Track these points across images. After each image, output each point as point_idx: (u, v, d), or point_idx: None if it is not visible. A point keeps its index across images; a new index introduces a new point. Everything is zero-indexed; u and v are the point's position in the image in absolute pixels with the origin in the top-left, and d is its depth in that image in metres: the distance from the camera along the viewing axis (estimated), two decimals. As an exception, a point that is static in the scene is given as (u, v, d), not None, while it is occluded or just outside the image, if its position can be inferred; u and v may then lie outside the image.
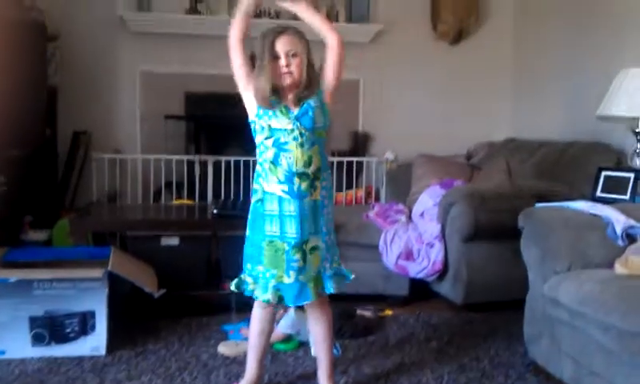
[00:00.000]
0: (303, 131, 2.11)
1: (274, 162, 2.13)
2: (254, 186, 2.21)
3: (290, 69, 2.09)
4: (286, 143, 2.11)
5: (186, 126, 4.86)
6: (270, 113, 2.12)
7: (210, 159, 4.41)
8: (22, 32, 3.90)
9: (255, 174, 2.21)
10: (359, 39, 4.92)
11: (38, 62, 4.06)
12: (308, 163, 2.12)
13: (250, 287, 2.20)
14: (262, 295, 2.17)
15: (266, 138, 2.13)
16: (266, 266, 2.15)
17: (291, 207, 2.12)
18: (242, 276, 2.24)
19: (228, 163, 4.39)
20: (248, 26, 2.15)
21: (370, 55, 4.98)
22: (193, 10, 4.68)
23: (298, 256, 2.13)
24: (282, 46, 2.09)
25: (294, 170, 2.11)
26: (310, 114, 2.12)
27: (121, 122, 4.73)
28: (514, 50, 5.12)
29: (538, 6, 4.79)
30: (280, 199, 2.13)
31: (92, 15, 4.58)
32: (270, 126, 2.12)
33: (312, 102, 2.14)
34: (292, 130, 2.11)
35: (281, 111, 2.11)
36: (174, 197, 4.50)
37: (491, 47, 5.14)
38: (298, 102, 2.13)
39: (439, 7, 4.97)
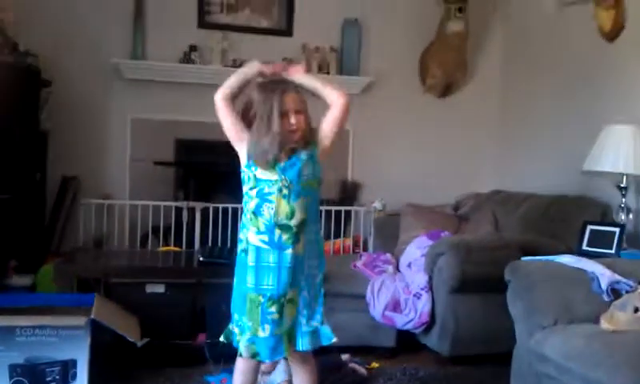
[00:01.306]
0: (287, 183, 2.10)
1: (256, 212, 2.12)
2: (240, 235, 2.20)
3: (298, 125, 2.11)
4: (269, 194, 2.10)
5: (175, 172, 4.87)
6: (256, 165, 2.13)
7: (198, 206, 4.41)
8: (15, 76, 3.93)
9: (240, 225, 2.21)
10: (350, 90, 4.94)
11: (31, 106, 4.08)
12: (290, 215, 2.10)
13: (238, 338, 2.17)
14: (239, 348, 2.15)
15: (251, 189, 2.14)
16: (246, 316, 2.13)
17: (270, 258, 2.10)
18: (230, 326, 2.22)
19: (216, 210, 4.39)
20: (242, 90, 2.18)
21: (360, 106, 5.01)
22: (186, 59, 4.74)
23: (273, 309, 2.10)
24: (289, 104, 2.11)
25: (275, 220, 2.09)
26: (297, 166, 2.11)
27: (110, 167, 4.73)
28: (501, 104, 5.21)
29: (525, 62, 4.89)
30: (258, 250, 2.12)
31: (86, 61, 4.63)
32: (255, 176, 2.12)
33: (302, 154, 2.14)
34: (276, 181, 2.10)
35: (268, 163, 2.11)
36: (160, 243, 4.48)
37: (479, 101, 5.24)
38: (289, 152, 2.13)
39: (428, 62, 5.07)
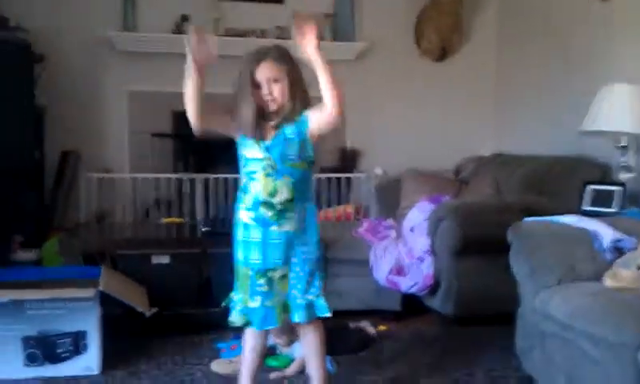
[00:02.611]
0: (271, 162, 2.09)
1: (244, 189, 2.15)
2: (236, 212, 2.23)
3: (273, 95, 2.09)
4: (254, 172, 2.11)
5: (174, 144, 4.87)
6: (245, 143, 2.12)
7: (199, 177, 4.42)
8: (7, 52, 3.90)
9: (236, 200, 2.24)
10: (345, 57, 4.97)
11: (25, 82, 4.05)
12: (273, 193, 2.10)
13: (235, 313, 2.22)
14: (230, 318, 2.19)
15: (242, 167, 2.16)
16: (238, 289, 2.18)
17: (255, 234, 2.13)
18: (232, 294, 2.25)
19: (217, 181, 4.40)
20: (202, 96, 2.11)
21: (355, 72, 5.03)
22: (178, 30, 4.70)
23: (262, 281, 2.13)
24: (262, 73, 2.08)
25: (260, 198, 2.11)
26: (282, 146, 2.10)
27: (109, 141, 4.73)
28: (498, 66, 5.21)
29: (521, 23, 4.88)
30: (246, 226, 2.15)
31: (78, 35, 4.60)
32: (245, 155, 2.14)
33: (289, 131, 2.11)
34: (261, 160, 2.10)
35: (255, 141, 2.10)
36: (163, 215, 4.50)
37: (476, 64, 5.23)
38: (275, 127, 2.12)
39: (423, 26, 5.05)
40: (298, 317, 2.18)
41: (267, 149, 2.10)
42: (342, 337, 2.90)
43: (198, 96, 2.11)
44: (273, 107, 2.10)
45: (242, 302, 2.16)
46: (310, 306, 2.19)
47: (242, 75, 2.10)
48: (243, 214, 2.15)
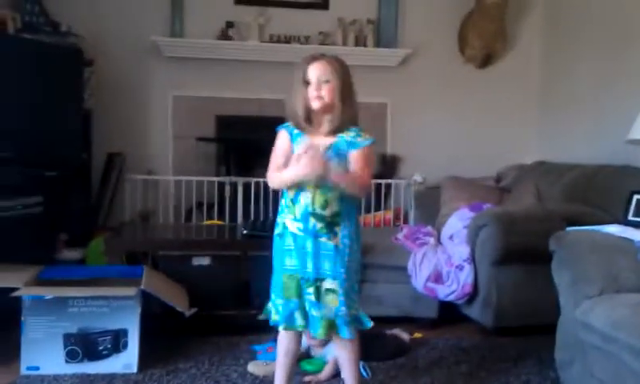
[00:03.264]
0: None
1: (294, 200, 2.17)
2: (277, 219, 2.26)
3: (320, 93, 2.12)
4: (306, 183, 2.13)
5: (217, 147, 4.94)
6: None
7: (240, 180, 4.47)
8: (58, 56, 4.01)
9: (279, 208, 2.26)
10: (387, 63, 4.97)
11: (75, 85, 4.16)
12: (324, 205, 2.14)
13: (274, 317, 2.25)
14: (288, 325, 2.22)
15: None
16: (289, 298, 2.20)
17: (307, 244, 2.16)
18: (269, 305, 2.28)
19: (258, 184, 4.44)
20: None
21: (398, 79, 5.03)
22: (224, 36, 4.77)
23: (311, 290, 2.17)
24: (313, 72, 2.14)
25: (310, 209, 2.14)
26: (335, 160, 2.13)
27: (154, 144, 4.83)
28: (542, 73, 5.12)
29: (567, 28, 4.79)
30: (295, 236, 2.17)
31: (126, 40, 4.71)
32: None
33: (343, 144, 2.15)
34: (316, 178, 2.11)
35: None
36: (204, 217, 4.56)
37: (519, 70, 5.16)
38: (333, 133, 2.16)
39: (467, 32, 5.00)
40: (347, 333, 2.21)
41: None
42: (376, 343, 2.89)
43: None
44: (317, 105, 2.13)
45: (300, 305, 2.19)
46: (355, 320, 2.22)
47: (298, 76, 2.16)
48: (291, 224, 2.18)
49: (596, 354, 2.25)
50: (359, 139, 2.16)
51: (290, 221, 2.19)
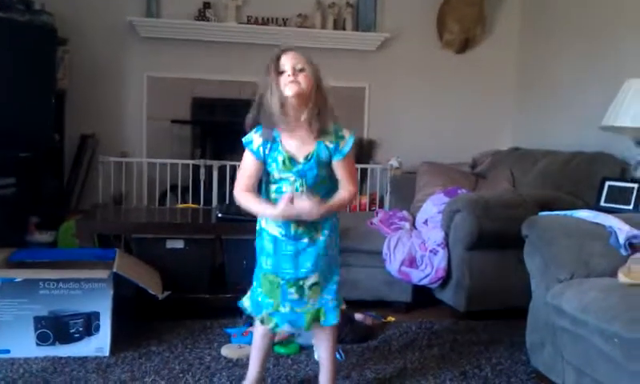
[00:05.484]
0: (302, 182, 2.09)
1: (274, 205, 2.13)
2: (261, 224, 2.22)
3: (297, 79, 2.03)
4: (285, 192, 2.10)
5: (192, 130, 4.90)
6: (274, 165, 2.09)
7: (216, 164, 4.44)
8: (30, 35, 3.93)
9: None
10: (366, 47, 4.96)
11: (47, 65, 4.09)
12: None
13: (246, 304, 2.27)
14: (257, 317, 2.22)
15: (270, 184, 2.16)
16: (264, 293, 2.20)
17: (288, 247, 2.15)
18: (245, 297, 2.28)
19: (233, 168, 4.41)
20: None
21: (376, 63, 5.02)
22: (201, 17, 4.72)
23: (292, 290, 2.16)
24: (287, 61, 2.05)
25: None
26: (315, 171, 2.09)
27: (127, 125, 4.77)
28: (519, 59, 5.15)
29: (544, 16, 4.82)
30: (276, 239, 2.15)
31: (101, 20, 4.64)
32: (274, 175, 2.12)
33: (324, 151, 2.09)
34: (294, 181, 2.09)
35: (284, 164, 2.07)
36: (179, 200, 4.53)
37: (497, 56, 5.18)
38: (318, 136, 2.08)
39: (445, 17, 5.01)
40: (333, 318, 2.22)
41: (300, 174, 2.09)
42: (348, 327, 2.89)
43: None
44: (294, 89, 2.02)
45: (272, 307, 2.18)
46: (338, 304, 2.24)
47: (268, 67, 2.06)
48: (272, 229, 2.16)
49: (566, 337, 2.28)
50: (342, 144, 2.11)
51: (271, 224, 2.16)
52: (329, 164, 2.12)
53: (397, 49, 5.04)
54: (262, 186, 2.20)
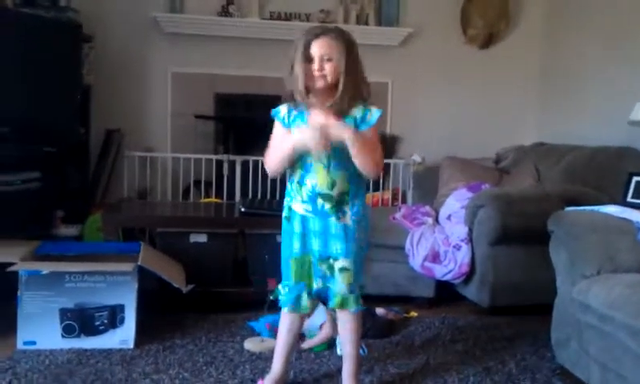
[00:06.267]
0: (330, 154, 2.07)
1: (300, 182, 2.16)
2: (285, 201, 2.25)
3: (323, 72, 2.04)
4: (311, 165, 2.12)
5: (215, 126, 4.92)
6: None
7: (239, 159, 4.45)
8: (57, 31, 3.98)
9: (286, 193, 2.25)
10: (389, 42, 4.93)
11: (73, 61, 4.13)
12: (331, 186, 2.12)
13: (282, 298, 2.28)
14: (294, 308, 2.24)
15: (297, 160, 2.15)
16: (297, 281, 2.22)
17: (315, 225, 2.16)
18: (279, 286, 2.30)
19: (256, 163, 4.42)
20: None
21: (399, 58, 4.99)
22: (224, 12, 4.73)
23: (323, 267, 2.19)
24: (316, 49, 2.04)
25: (317, 190, 2.13)
26: (340, 142, 2.05)
27: (152, 120, 4.80)
28: (544, 54, 5.08)
29: (569, 10, 4.75)
30: (303, 218, 2.17)
31: (126, 16, 4.67)
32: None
33: (352, 123, 2.08)
34: (319, 152, 2.06)
35: None
36: (202, 195, 4.56)
37: (521, 52, 5.12)
38: (338, 115, 2.08)
39: (469, 12, 4.96)
40: (358, 306, 2.24)
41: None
42: (370, 321, 2.89)
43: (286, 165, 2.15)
44: (319, 84, 2.05)
45: (306, 287, 2.21)
46: (362, 293, 2.26)
47: (297, 49, 2.05)
48: (298, 207, 2.17)
49: (592, 333, 2.25)
50: (369, 116, 2.10)
51: (298, 203, 2.18)
52: None
53: (420, 44, 5.00)
54: (289, 170, 2.21)
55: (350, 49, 2.07)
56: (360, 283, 2.25)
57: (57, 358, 2.55)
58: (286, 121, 2.16)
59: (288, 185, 2.23)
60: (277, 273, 2.33)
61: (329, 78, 2.05)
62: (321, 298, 2.26)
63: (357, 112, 2.11)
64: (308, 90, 2.08)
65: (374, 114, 2.12)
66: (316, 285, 2.22)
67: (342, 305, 2.21)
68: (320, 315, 2.71)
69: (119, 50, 4.67)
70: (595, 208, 2.59)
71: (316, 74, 2.05)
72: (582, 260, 2.36)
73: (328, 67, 2.04)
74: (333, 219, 2.15)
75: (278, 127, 2.19)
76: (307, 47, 2.05)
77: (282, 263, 2.28)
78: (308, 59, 2.05)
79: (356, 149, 2.04)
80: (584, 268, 2.35)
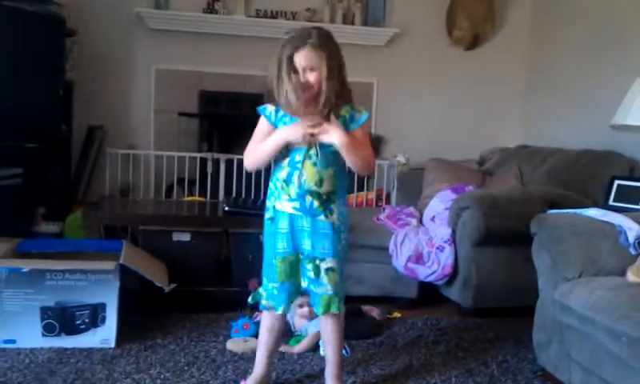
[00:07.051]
0: (320, 152, 2.10)
1: (287, 180, 2.15)
2: (267, 203, 2.23)
3: (309, 83, 2.05)
4: (299, 162, 2.12)
5: (200, 123, 4.89)
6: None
7: (223, 157, 4.43)
8: (39, 25, 3.93)
9: (268, 193, 2.23)
10: (375, 42, 4.94)
11: (56, 56, 4.08)
12: (320, 183, 2.12)
13: (264, 303, 2.25)
14: (277, 307, 2.22)
15: (283, 158, 2.15)
16: (283, 281, 2.20)
17: (304, 223, 2.15)
18: (260, 289, 2.28)
19: (240, 161, 4.40)
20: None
21: (384, 58, 5.00)
22: (210, 9, 4.70)
23: (310, 267, 2.18)
24: (299, 60, 2.04)
25: (306, 187, 2.12)
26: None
27: (135, 117, 4.77)
28: (529, 56, 5.12)
29: (554, 14, 4.78)
30: (291, 217, 2.16)
31: (110, 11, 4.63)
32: (287, 146, 2.12)
33: (343, 123, 2.10)
34: (308, 148, 2.10)
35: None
36: (185, 193, 4.53)
37: (506, 53, 5.15)
38: (326, 118, 2.08)
39: (455, 13, 4.97)
40: (341, 308, 2.24)
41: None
42: (355, 321, 2.88)
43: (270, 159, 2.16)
44: (308, 94, 2.06)
45: (294, 285, 2.21)
46: (345, 294, 2.27)
47: (280, 60, 2.05)
48: (285, 205, 2.16)
49: (574, 335, 2.27)
50: (357, 116, 2.13)
51: (284, 202, 2.16)
52: None
53: (405, 44, 5.02)
54: (273, 169, 2.22)
55: (331, 53, 2.07)
56: (344, 285, 2.24)
57: (37, 357, 2.52)
58: (272, 119, 2.15)
59: (271, 184, 2.22)
60: (259, 274, 2.32)
61: (315, 87, 2.06)
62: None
63: (345, 112, 2.13)
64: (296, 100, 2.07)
65: (364, 114, 2.16)
66: (304, 283, 2.21)
67: (328, 307, 2.20)
68: (315, 324, 2.71)
69: (103, 45, 4.63)
70: (577, 211, 2.60)
71: (301, 83, 2.05)
72: (563, 262, 2.37)
73: (312, 77, 2.05)
74: (321, 218, 2.15)
75: (262, 123, 2.18)
76: (291, 60, 2.04)
77: (264, 266, 2.25)
78: (294, 71, 2.05)
79: (345, 149, 2.05)
80: (566, 270, 2.36)
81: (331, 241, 2.16)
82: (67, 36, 4.26)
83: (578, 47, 4.40)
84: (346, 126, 2.11)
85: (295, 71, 2.05)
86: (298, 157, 2.12)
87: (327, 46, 2.07)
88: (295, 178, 2.13)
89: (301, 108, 2.07)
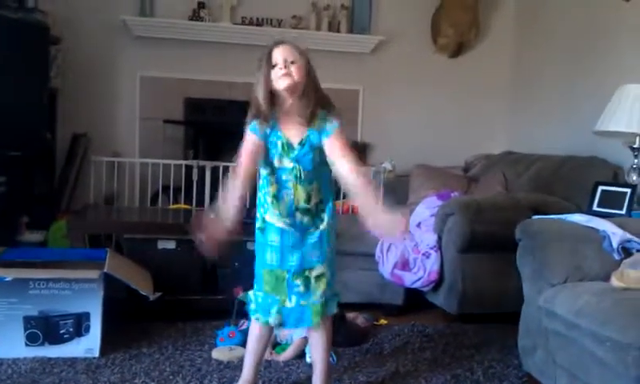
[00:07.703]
0: (302, 171, 2.12)
1: (277, 196, 2.15)
2: (257, 213, 2.23)
3: (289, 71, 2.06)
4: (287, 181, 2.13)
5: (185, 130, 4.87)
6: (275, 151, 2.11)
7: (208, 164, 4.41)
8: (23, 33, 3.90)
9: (257, 202, 2.23)
10: (360, 49, 4.96)
11: (40, 63, 4.05)
12: (307, 199, 2.14)
13: (252, 307, 2.25)
14: (262, 318, 2.21)
15: (269, 174, 2.16)
16: (268, 292, 2.19)
17: (293, 239, 2.16)
18: (250, 293, 2.27)
19: (226, 169, 4.38)
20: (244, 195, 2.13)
21: (370, 66, 5.02)
22: (195, 16, 4.70)
23: (298, 282, 2.17)
24: (279, 54, 2.07)
25: (295, 205, 2.14)
26: (310, 156, 2.11)
27: (120, 125, 4.74)
28: (513, 63, 5.16)
29: (537, 22, 4.83)
30: (282, 231, 2.16)
31: (94, 18, 4.61)
32: (272, 164, 2.13)
33: (315, 136, 2.11)
34: (292, 169, 2.12)
35: (283, 148, 2.11)
36: (171, 201, 4.50)
37: (491, 61, 5.19)
38: (309, 119, 2.10)
39: (440, 21, 5.01)
40: (333, 308, 2.25)
41: (297, 160, 2.11)
42: (341, 329, 2.87)
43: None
44: (286, 82, 2.05)
45: (279, 303, 2.18)
46: (335, 296, 2.27)
47: (260, 61, 2.08)
48: (276, 220, 2.15)
49: (559, 340, 2.28)
50: (328, 125, 2.12)
51: (275, 217, 2.16)
52: (321, 149, 2.12)
53: (391, 52, 5.04)
54: (261, 181, 2.20)
55: (305, 55, 2.12)
56: (334, 286, 2.25)
57: (20, 367, 2.49)
58: (261, 133, 2.13)
59: (260, 196, 2.21)
60: (246, 281, 2.31)
61: (295, 77, 2.06)
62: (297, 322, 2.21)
63: (318, 123, 2.12)
64: (272, 96, 2.09)
65: (335, 122, 2.13)
66: (290, 303, 2.18)
67: (321, 314, 2.19)
68: (299, 331, 2.69)
69: (88, 53, 4.61)
70: (562, 217, 2.62)
71: (280, 73, 2.05)
72: (548, 268, 2.38)
73: (293, 69, 2.06)
74: (311, 230, 2.16)
75: (249, 136, 2.13)
76: (270, 56, 2.07)
77: (255, 271, 2.25)
78: (271, 66, 2.08)
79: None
80: (551, 276, 2.37)
81: (320, 248, 2.17)
82: (52, 43, 4.23)
83: (562, 54, 4.44)
84: (318, 138, 2.11)
85: (273, 66, 2.07)
86: (285, 176, 2.13)
87: (301, 49, 2.13)
88: (284, 196, 2.14)
89: (267, 106, 2.07)
